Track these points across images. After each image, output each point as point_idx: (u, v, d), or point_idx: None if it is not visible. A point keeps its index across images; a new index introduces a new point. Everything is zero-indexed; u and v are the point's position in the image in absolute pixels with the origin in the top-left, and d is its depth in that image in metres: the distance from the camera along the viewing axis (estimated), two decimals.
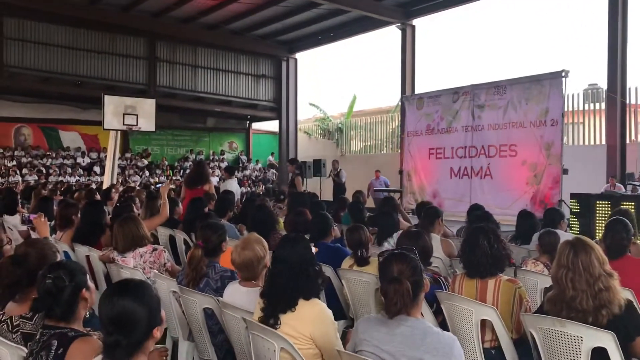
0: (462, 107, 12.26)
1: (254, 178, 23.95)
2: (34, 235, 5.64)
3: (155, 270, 4.19)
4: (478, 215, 5.07)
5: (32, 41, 17.02)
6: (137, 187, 14.72)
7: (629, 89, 12.85)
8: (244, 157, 25.20)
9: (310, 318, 2.73)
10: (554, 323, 2.67)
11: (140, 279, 3.51)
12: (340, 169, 15.70)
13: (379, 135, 21.87)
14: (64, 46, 17.62)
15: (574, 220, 8.73)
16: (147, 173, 21.14)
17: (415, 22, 17.13)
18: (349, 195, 10.09)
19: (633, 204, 7.78)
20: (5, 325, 2.56)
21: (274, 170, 24.66)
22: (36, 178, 18.24)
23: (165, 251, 4.45)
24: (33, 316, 2.57)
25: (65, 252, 5.22)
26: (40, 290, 2.36)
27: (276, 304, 2.77)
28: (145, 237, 4.42)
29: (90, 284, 2.46)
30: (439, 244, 5.01)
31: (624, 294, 2.85)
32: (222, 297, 3.35)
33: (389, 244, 4.94)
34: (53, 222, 5.82)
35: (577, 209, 8.76)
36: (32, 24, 17.00)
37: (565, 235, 5.25)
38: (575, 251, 2.76)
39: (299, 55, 21.85)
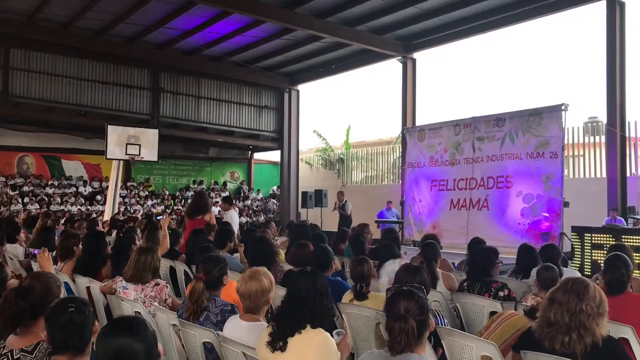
0: (464, 140, 12.35)
1: (255, 208, 23.97)
2: (34, 266, 5.64)
3: (156, 304, 4.18)
4: (478, 250, 5.08)
5: (37, 71, 17.20)
6: (139, 217, 14.77)
7: (628, 122, 12.92)
8: (245, 187, 25.26)
9: (314, 346, 2.75)
10: None
11: (135, 314, 3.52)
12: (346, 201, 15.53)
13: (380, 166, 21.92)
14: (68, 76, 17.78)
15: (575, 253, 8.72)
16: (149, 203, 21.17)
17: (416, 54, 17.29)
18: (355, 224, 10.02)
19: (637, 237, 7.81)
20: (6, 359, 2.56)
21: (274, 200, 24.69)
22: (38, 207, 18.26)
23: (167, 287, 4.44)
24: (34, 350, 2.57)
25: (66, 284, 5.22)
26: (62, 321, 2.33)
27: (286, 326, 2.82)
28: (157, 270, 4.52)
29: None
30: (441, 278, 5.04)
31: (623, 331, 2.83)
32: (222, 331, 3.35)
33: (385, 271, 4.93)
34: (54, 253, 5.82)
35: (578, 241, 8.75)
36: (37, 55, 17.20)
37: (569, 272, 5.25)
38: (579, 281, 2.77)
39: (301, 87, 22.06)
